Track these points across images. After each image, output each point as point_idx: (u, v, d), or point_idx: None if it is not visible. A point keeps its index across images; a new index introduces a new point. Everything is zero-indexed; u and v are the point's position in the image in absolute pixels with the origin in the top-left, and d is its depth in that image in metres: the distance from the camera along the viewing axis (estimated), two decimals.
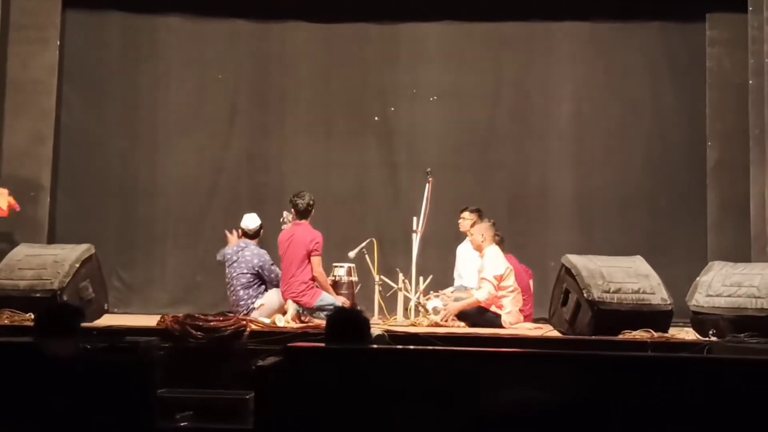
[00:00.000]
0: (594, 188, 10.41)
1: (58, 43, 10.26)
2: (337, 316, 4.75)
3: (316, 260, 8.25)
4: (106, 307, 7.93)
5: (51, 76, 10.12)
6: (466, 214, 9.10)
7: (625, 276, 7.28)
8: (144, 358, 5.94)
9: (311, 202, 8.42)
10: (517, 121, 10.57)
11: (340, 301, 8.27)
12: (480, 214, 9.00)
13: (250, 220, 8.65)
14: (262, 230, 8.72)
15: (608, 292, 7.16)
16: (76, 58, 10.49)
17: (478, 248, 8.53)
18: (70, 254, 7.50)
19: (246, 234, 8.65)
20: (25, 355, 4.31)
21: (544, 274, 9.41)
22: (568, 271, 7.48)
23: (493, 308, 8.31)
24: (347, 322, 4.56)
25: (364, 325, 4.59)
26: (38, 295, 7.16)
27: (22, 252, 7.73)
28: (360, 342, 4.46)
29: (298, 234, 8.37)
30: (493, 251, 8.48)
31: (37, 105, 10.04)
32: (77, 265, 7.37)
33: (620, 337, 6.92)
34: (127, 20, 10.61)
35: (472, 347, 6.65)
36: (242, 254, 8.53)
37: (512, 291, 8.36)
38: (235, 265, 8.51)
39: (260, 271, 8.50)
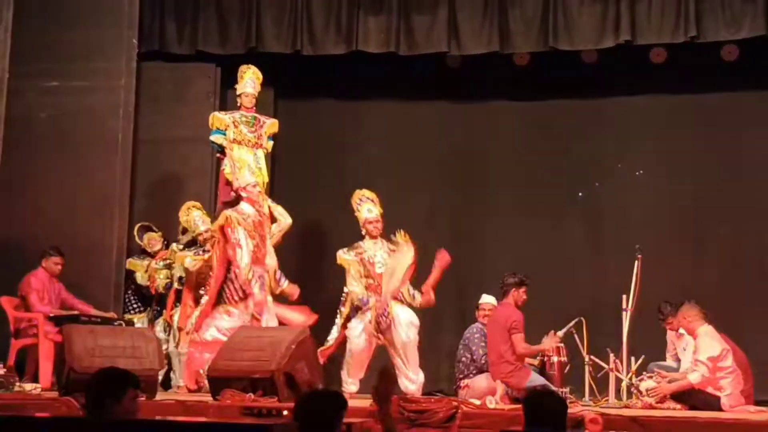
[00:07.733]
0: None
1: None
2: (531, 399, 4.58)
3: (516, 338, 8.17)
4: (320, 388, 8.09)
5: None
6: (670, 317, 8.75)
7: None
8: None
9: (516, 282, 8.40)
10: (729, 194, 10.19)
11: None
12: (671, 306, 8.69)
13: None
14: (478, 310, 8.91)
15: None
16: (287, 144, 10.92)
17: (691, 332, 8.22)
18: (286, 336, 7.71)
19: None
20: None
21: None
22: None
23: (711, 389, 7.98)
24: (542, 405, 4.44)
25: (559, 407, 4.45)
26: (257, 375, 7.36)
27: (241, 334, 8.04)
28: (557, 427, 4.33)
29: (498, 313, 8.42)
30: (706, 331, 8.14)
31: None
32: (293, 347, 7.55)
33: None
34: (334, 106, 11.02)
35: None
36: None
37: (731, 372, 7.99)
38: None
39: (469, 344, 8.57)
